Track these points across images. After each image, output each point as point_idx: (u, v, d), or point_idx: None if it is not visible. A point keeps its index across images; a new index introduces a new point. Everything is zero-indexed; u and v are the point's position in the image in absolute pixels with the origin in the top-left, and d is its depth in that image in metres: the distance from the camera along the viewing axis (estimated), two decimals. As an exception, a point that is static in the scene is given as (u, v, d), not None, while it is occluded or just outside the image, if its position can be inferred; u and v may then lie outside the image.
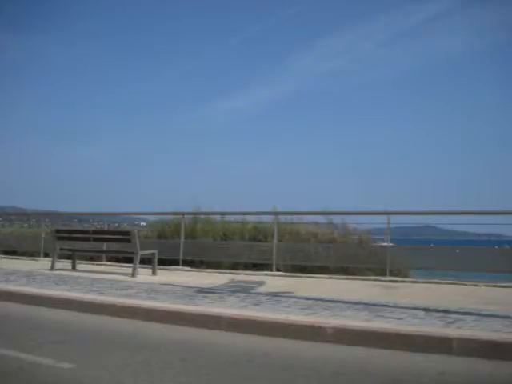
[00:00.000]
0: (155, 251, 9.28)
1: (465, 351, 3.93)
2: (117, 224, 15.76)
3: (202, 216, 11.63)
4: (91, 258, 11.45)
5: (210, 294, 6.45)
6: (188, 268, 10.16)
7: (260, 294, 6.64)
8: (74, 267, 9.80)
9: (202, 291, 6.74)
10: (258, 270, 9.66)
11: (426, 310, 5.30)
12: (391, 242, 9.22)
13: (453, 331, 4.22)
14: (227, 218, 11.68)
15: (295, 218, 10.90)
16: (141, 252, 8.97)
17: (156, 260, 9.23)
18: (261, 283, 7.79)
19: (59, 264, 9.79)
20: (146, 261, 9.47)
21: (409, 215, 9.56)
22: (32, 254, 12.73)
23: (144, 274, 8.80)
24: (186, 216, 11.40)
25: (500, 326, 4.49)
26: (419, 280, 8.22)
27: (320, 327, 4.49)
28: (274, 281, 8.21)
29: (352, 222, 10.68)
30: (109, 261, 11.32)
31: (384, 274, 8.68)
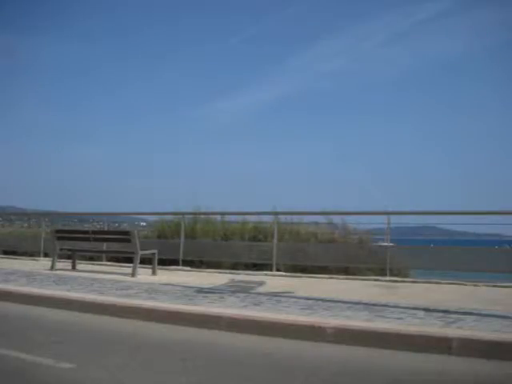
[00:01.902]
0: (155, 251, 9.28)
1: (465, 351, 3.93)
2: (117, 224, 15.77)
3: (202, 216, 11.63)
4: (91, 258, 11.45)
5: (209, 294, 6.45)
6: (188, 268, 10.16)
7: (260, 293, 6.64)
8: (73, 267, 9.80)
9: (201, 291, 6.74)
10: (258, 270, 9.66)
11: (426, 309, 5.30)
12: (391, 242, 9.22)
13: (453, 331, 4.22)
14: (227, 218, 11.69)
15: (295, 218, 10.90)
16: (141, 252, 8.97)
17: (156, 260, 9.23)
18: (261, 283, 7.79)
19: (59, 264, 9.79)
20: (146, 261, 9.47)
21: (409, 215, 9.56)
22: (32, 253, 12.73)
23: (144, 274, 8.80)
24: (186, 216, 11.40)
25: (500, 326, 4.49)
26: (419, 280, 8.22)
27: (320, 327, 4.49)
28: (274, 281, 8.21)
29: (352, 222, 10.69)
30: (109, 261, 11.33)
31: (384, 274, 8.68)
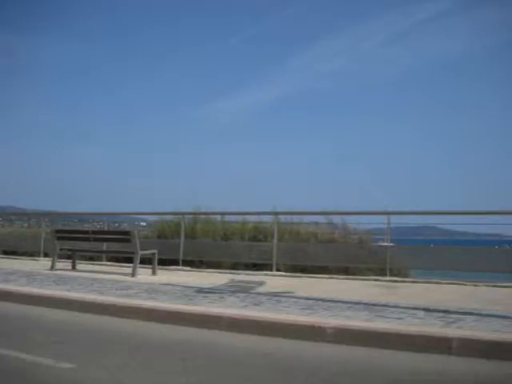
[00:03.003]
0: (155, 251, 9.28)
1: (465, 351, 3.93)
2: (117, 224, 15.77)
3: (202, 216, 11.64)
4: (91, 258, 11.45)
5: (209, 294, 6.45)
6: (188, 268, 10.16)
7: (260, 293, 6.64)
8: (73, 267, 9.80)
9: (201, 291, 6.74)
10: (258, 269, 9.66)
11: (426, 309, 5.30)
12: (391, 242, 9.22)
13: (453, 331, 4.22)
14: (227, 218, 11.69)
15: (295, 218, 10.90)
16: (141, 252, 8.97)
17: (156, 260, 9.23)
18: (261, 283, 7.79)
19: (59, 264, 9.78)
20: (146, 261, 9.46)
21: (409, 215, 9.57)
22: (32, 253, 12.73)
23: (144, 274, 8.80)
24: (186, 216, 11.40)
25: (500, 326, 4.49)
26: (419, 280, 8.22)
27: (320, 327, 4.49)
28: (274, 281, 8.21)
29: (352, 222, 10.69)
30: (109, 261, 11.32)
31: (384, 274, 8.68)
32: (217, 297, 6.25)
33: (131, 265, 8.90)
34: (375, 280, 8.30)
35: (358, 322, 4.66)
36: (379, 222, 9.57)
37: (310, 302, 5.88)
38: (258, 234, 10.74)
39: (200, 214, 11.55)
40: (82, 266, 10.26)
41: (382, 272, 8.85)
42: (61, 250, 9.91)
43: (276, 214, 10.27)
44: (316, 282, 8.25)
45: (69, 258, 10.27)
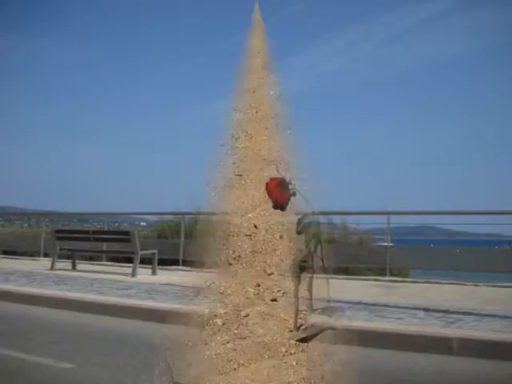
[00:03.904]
0: (155, 251, 9.27)
1: (465, 351, 3.93)
2: (117, 224, 15.76)
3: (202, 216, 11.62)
4: (91, 258, 11.45)
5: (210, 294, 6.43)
6: (188, 268, 10.15)
7: (260, 294, 6.63)
8: (74, 267, 9.79)
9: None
10: (258, 269, 9.64)
11: (426, 310, 5.30)
12: (391, 242, 9.22)
13: (453, 331, 4.22)
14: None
15: (295, 218, 10.88)
16: (141, 252, 8.96)
17: (156, 260, 9.22)
18: (261, 283, 7.77)
19: (59, 264, 9.78)
20: (146, 261, 9.46)
21: (409, 215, 9.57)
22: (32, 254, 12.73)
23: (144, 274, 8.79)
24: (186, 216, 11.40)
25: (500, 326, 4.49)
26: (419, 280, 8.21)
27: (320, 327, 4.48)
28: (273, 281, 8.19)
29: (352, 222, 10.69)
30: (109, 261, 11.32)
31: (384, 274, 8.68)
32: (217, 297, 6.23)
33: (131, 265, 8.90)
34: (375, 280, 8.29)
35: (358, 322, 4.65)
36: (379, 221, 9.58)
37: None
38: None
39: (200, 214, 11.53)
40: (82, 266, 10.25)
41: (382, 272, 8.84)
42: (61, 249, 9.91)
43: (276, 213, 10.24)
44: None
45: (69, 258, 10.26)
